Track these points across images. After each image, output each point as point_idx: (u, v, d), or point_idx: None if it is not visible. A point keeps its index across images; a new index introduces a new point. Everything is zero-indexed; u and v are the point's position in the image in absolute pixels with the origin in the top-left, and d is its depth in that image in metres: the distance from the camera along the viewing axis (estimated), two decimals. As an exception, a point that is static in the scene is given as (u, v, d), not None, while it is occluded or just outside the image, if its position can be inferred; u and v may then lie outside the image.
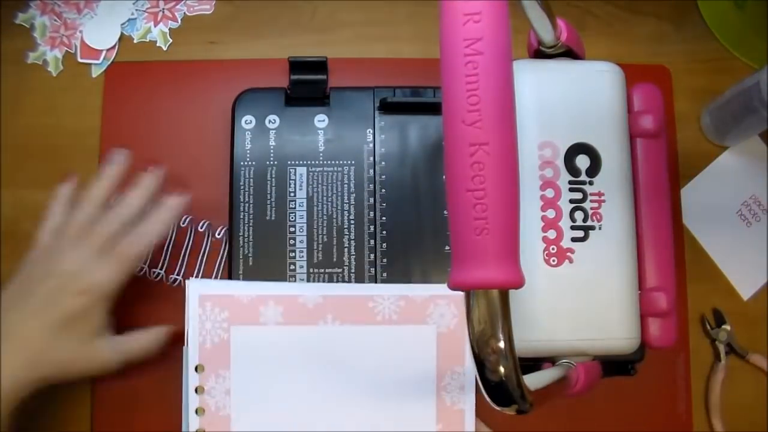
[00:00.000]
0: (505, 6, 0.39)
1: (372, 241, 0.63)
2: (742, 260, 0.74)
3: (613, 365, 0.65)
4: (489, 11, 0.38)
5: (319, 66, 0.67)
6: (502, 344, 0.41)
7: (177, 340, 0.63)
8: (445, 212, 0.61)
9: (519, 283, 0.41)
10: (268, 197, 0.64)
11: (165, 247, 0.68)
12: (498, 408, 0.44)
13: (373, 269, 0.63)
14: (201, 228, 0.67)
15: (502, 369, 0.41)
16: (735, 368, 0.72)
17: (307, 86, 0.66)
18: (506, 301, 0.41)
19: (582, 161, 0.55)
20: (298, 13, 0.75)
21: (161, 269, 0.67)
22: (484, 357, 0.41)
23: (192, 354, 0.61)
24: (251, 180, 0.64)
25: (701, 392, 0.72)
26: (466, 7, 0.38)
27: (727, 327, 0.72)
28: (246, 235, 0.63)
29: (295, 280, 0.63)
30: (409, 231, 0.64)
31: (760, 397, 0.72)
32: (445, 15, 0.39)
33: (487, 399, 0.43)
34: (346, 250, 0.63)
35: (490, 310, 0.40)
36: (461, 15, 0.38)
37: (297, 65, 0.66)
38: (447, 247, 0.63)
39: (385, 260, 0.63)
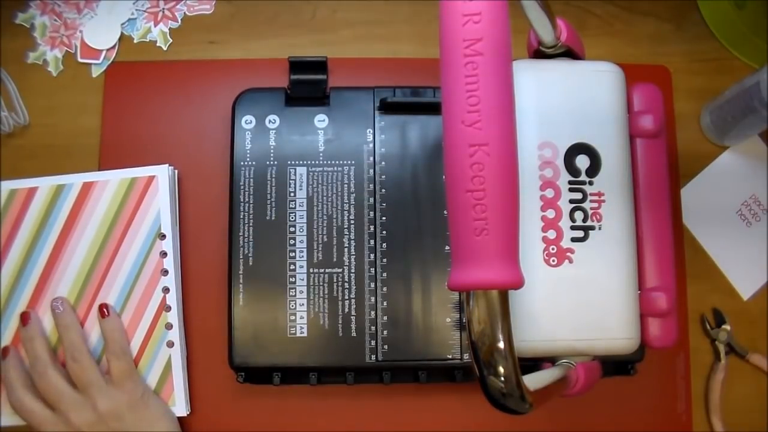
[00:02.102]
0: (505, 6, 0.39)
1: (372, 241, 0.63)
2: (742, 260, 0.74)
3: (613, 365, 0.65)
4: (489, 12, 0.38)
5: (319, 66, 0.66)
6: (501, 344, 0.41)
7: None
8: (445, 212, 0.61)
9: (519, 284, 0.41)
10: (268, 197, 0.63)
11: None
12: (498, 409, 0.44)
13: (373, 269, 0.63)
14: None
15: (501, 369, 0.41)
16: (735, 368, 0.72)
17: (307, 86, 0.66)
18: (506, 302, 0.41)
19: (582, 161, 0.55)
20: (298, 13, 0.75)
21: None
22: (483, 357, 0.41)
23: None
24: (251, 180, 0.63)
25: (701, 392, 0.72)
26: (465, 8, 0.38)
27: (727, 327, 0.72)
28: (246, 235, 0.63)
29: (295, 281, 0.63)
30: (409, 231, 0.63)
31: (760, 397, 0.72)
32: (445, 15, 0.39)
33: (487, 399, 0.43)
34: (346, 250, 0.63)
35: (490, 310, 0.40)
36: (461, 15, 0.38)
37: (297, 65, 0.66)
38: (447, 247, 0.62)
39: (385, 260, 0.63)
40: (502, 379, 0.42)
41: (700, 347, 0.73)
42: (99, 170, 0.70)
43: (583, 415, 0.70)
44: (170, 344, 0.67)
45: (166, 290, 0.67)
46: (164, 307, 0.67)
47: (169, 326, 0.67)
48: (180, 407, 0.66)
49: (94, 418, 0.61)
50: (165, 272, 0.67)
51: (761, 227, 0.74)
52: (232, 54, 0.74)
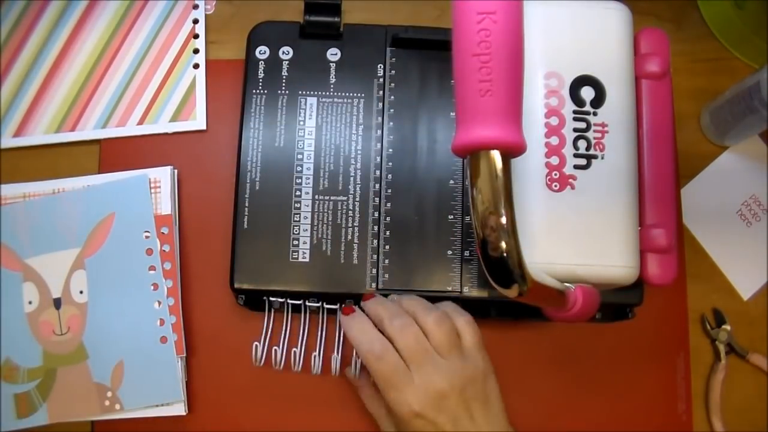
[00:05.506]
0: None
1: (378, 172, 0.63)
2: (742, 260, 0.74)
3: (613, 310, 0.64)
4: None
5: (333, 9, 0.67)
6: (503, 220, 0.42)
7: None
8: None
9: (520, 145, 0.42)
10: (278, 124, 0.64)
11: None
12: (499, 288, 0.44)
13: (377, 199, 0.63)
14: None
15: (503, 245, 0.42)
16: (735, 368, 0.71)
17: (321, 26, 0.67)
18: (508, 169, 0.42)
19: (587, 93, 0.57)
20: (299, 13, 0.77)
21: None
22: (486, 233, 0.42)
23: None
24: (262, 108, 0.64)
25: (701, 392, 0.72)
26: None
27: (727, 327, 0.72)
28: (254, 161, 0.63)
29: (300, 206, 0.63)
30: (415, 163, 0.64)
31: (760, 397, 0.72)
32: None
33: (489, 278, 0.44)
34: (351, 179, 0.63)
35: (492, 175, 0.42)
36: None
37: (311, 7, 0.67)
38: (451, 181, 0.63)
39: (389, 191, 0.63)
40: (504, 255, 0.42)
41: (700, 347, 0.72)
42: (99, 172, 0.70)
43: (584, 413, 0.69)
44: (196, 66, 0.72)
45: (195, 21, 0.73)
46: (193, 35, 0.73)
47: (196, 51, 0.73)
48: (201, 121, 0.70)
49: None
50: None
51: (761, 227, 0.75)
52: (232, 54, 0.74)
